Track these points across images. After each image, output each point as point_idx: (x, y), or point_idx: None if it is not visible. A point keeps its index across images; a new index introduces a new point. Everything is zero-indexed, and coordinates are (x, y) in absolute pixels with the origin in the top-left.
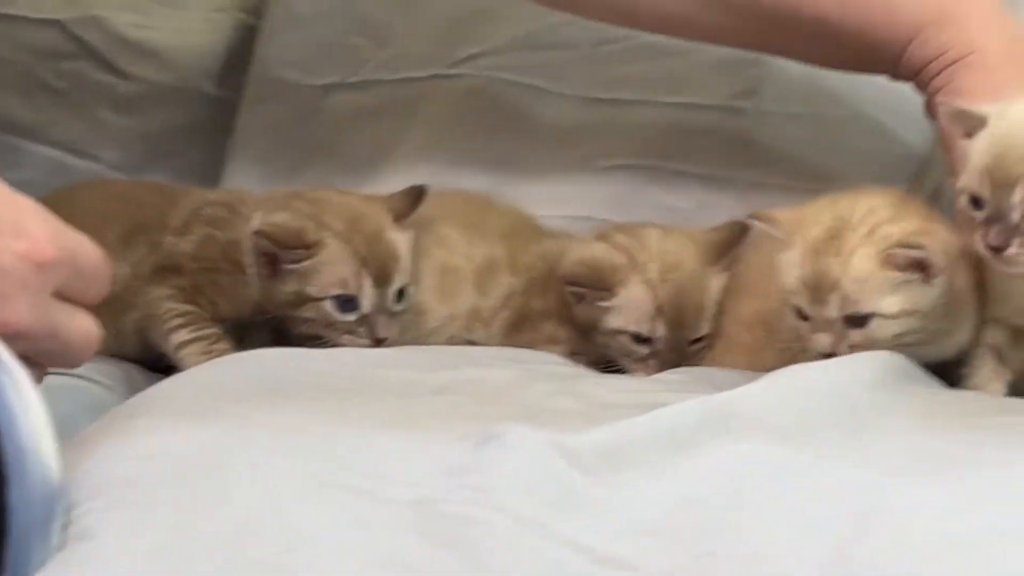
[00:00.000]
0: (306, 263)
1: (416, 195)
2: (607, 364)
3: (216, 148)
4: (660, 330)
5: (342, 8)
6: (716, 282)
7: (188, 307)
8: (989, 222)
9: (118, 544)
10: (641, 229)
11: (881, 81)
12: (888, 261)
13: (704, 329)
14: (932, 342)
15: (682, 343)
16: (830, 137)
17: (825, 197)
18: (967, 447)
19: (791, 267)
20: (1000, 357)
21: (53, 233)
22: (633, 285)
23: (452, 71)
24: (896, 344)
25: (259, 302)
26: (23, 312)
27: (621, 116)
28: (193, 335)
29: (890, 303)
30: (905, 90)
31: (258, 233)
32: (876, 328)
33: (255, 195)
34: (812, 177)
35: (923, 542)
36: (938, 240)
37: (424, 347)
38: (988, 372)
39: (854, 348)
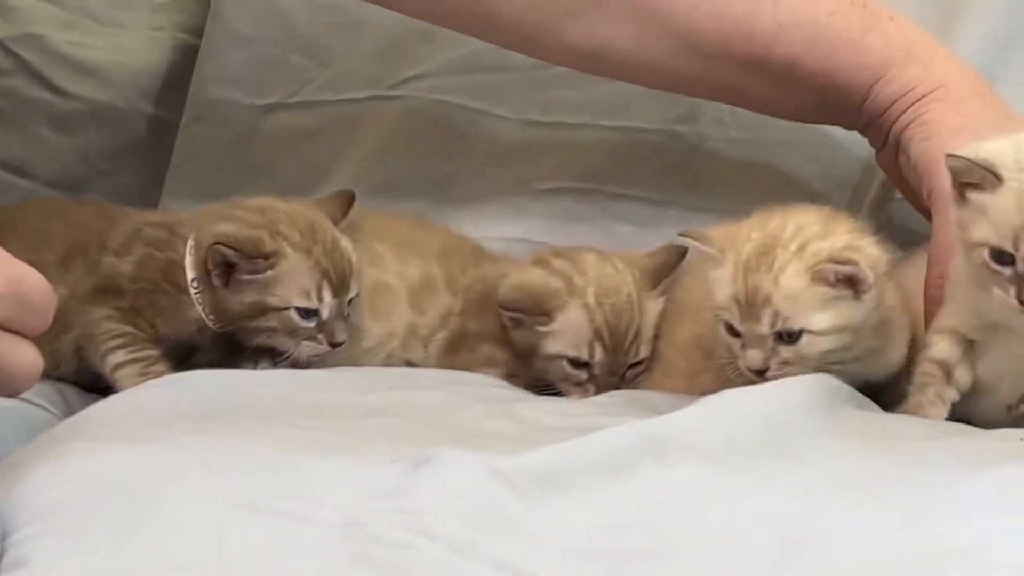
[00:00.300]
0: (267, 273)
1: (347, 200)
2: (544, 386)
3: (154, 168)
4: (598, 354)
5: (283, 28)
6: (654, 306)
7: (126, 328)
8: (1021, 278)
9: (50, 572)
10: (579, 253)
11: None
12: (818, 277)
13: (643, 353)
14: (863, 360)
15: (620, 367)
16: (767, 161)
17: (756, 215)
18: (900, 470)
19: (723, 284)
20: (948, 376)
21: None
22: (571, 310)
23: (392, 92)
24: (827, 361)
25: (201, 321)
26: None
27: (560, 139)
28: (130, 356)
29: (820, 319)
30: None
31: (218, 243)
32: (807, 344)
33: (192, 214)
34: (751, 200)
35: (853, 566)
36: (867, 256)
37: (359, 368)
38: (931, 394)
39: (784, 364)
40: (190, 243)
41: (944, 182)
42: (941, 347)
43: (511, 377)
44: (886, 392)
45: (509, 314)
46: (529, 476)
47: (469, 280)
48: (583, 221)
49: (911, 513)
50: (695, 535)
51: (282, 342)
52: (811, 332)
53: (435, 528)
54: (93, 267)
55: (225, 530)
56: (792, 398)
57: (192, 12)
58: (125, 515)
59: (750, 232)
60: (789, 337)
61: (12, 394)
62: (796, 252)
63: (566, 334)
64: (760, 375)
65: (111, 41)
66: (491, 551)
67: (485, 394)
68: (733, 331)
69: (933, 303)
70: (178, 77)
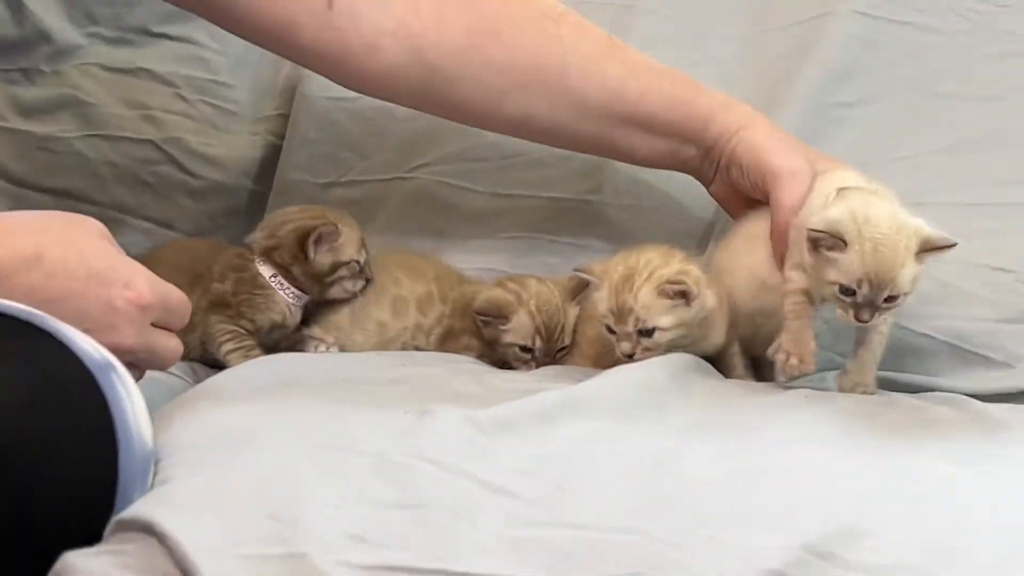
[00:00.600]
0: (336, 242)
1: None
2: (503, 363)
3: (253, 224)
4: (538, 343)
5: (336, 133)
6: (573, 312)
7: (233, 327)
8: (860, 305)
9: (183, 483)
10: (525, 278)
11: (678, 178)
12: (662, 292)
13: (566, 342)
14: (696, 343)
15: (552, 351)
16: (647, 216)
17: (621, 253)
18: (730, 415)
19: (602, 300)
20: (809, 297)
21: (151, 284)
22: (520, 315)
23: (407, 175)
24: (672, 346)
25: (285, 307)
26: (130, 338)
27: (515, 205)
28: (236, 345)
29: (666, 320)
30: (692, 183)
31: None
32: (658, 336)
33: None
34: (635, 242)
35: (697, 480)
36: (693, 277)
37: (383, 352)
38: (742, 370)
39: (645, 350)
40: (258, 257)
41: (774, 161)
42: (798, 278)
43: (482, 358)
44: (715, 361)
45: (481, 318)
46: (493, 422)
47: (455, 295)
48: (529, 257)
49: (735, 445)
50: (597, 462)
51: (348, 286)
52: (660, 328)
53: (431, 455)
54: (207, 290)
55: (297, 457)
56: (662, 370)
57: (278, 123)
58: (231, 451)
59: (617, 265)
60: (646, 333)
61: (162, 368)
62: (647, 278)
63: (517, 330)
64: (630, 358)
65: (226, 142)
66: (467, 470)
67: (465, 368)
68: (611, 331)
69: (780, 244)
70: (269, 165)
